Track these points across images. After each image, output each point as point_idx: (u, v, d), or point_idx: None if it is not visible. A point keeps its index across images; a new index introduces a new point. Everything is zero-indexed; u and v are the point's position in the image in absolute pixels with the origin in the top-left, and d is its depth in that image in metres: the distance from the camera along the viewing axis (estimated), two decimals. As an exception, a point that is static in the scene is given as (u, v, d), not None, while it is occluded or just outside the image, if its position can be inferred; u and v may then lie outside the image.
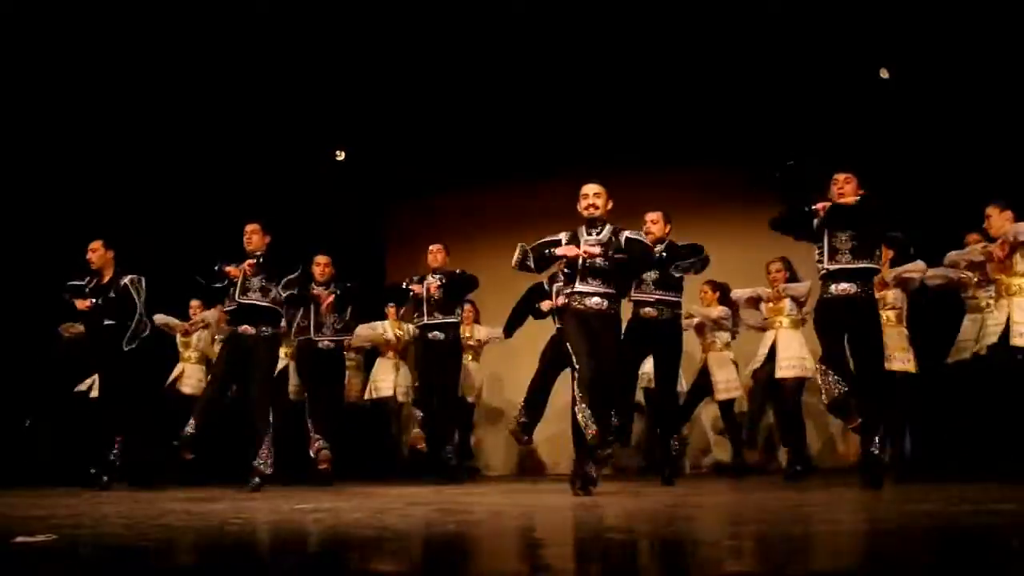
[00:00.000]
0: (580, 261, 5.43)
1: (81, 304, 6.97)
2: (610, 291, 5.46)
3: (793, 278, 7.09)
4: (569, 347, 5.35)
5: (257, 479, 6.17)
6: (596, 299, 5.41)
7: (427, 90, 8.37)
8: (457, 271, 7.53)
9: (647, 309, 6.31)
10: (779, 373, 6.97)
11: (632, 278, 6.14)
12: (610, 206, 5.53)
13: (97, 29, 7.29)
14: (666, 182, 8.60)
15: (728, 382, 7.79)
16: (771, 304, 7.20)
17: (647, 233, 6.16)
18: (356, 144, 9.39)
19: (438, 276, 7.48)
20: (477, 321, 8.87)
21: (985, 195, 6.23)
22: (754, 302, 7.27)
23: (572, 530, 3.37)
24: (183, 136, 8.68)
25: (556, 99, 8.46)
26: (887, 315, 6.70)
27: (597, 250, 5.39)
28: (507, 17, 7.39)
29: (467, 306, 8.54)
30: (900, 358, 6.74)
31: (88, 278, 7.11)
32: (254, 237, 6.75)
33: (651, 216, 6.37)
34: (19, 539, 2.99)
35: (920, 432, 7.23)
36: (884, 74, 7.83)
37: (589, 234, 5.49)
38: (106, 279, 7.04)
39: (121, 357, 6.94)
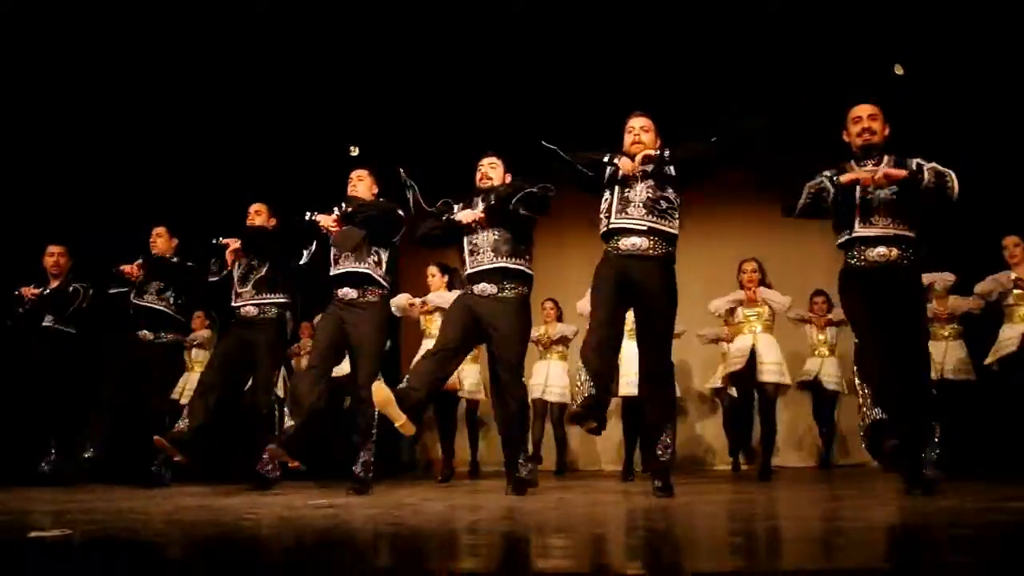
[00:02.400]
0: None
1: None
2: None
3: (763, 281, 6.99)
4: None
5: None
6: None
7: (445, 85, 8.35)
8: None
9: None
10: (763, 377, 6.81)
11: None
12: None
13: (104, 28, 7.30)
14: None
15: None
16: (745, 308, 7.02)
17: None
18: (370, 136, 9.36)
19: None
20: (560, 319, 8.41)
21: (1012, 194, 6.23)
22: (731, 312, 7.11)
23: (586, 524, 3.36)
24: (190, 132, 8.67)
25: (569, 95, 8.43)
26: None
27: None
28: (520, 17, 7.39)
29: (548, 303, 8.34)
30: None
31: (42, 286, 7.04)
32: (159, 241, 6.70)
33: (642, 123, 4.81)
34: (33, 534, 3.00)
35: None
36: (899, 70, 7.79)
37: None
38: (54, 285, 7.01)
39: (74, 365, 6.86)
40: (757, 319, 6.97)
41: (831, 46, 7.61)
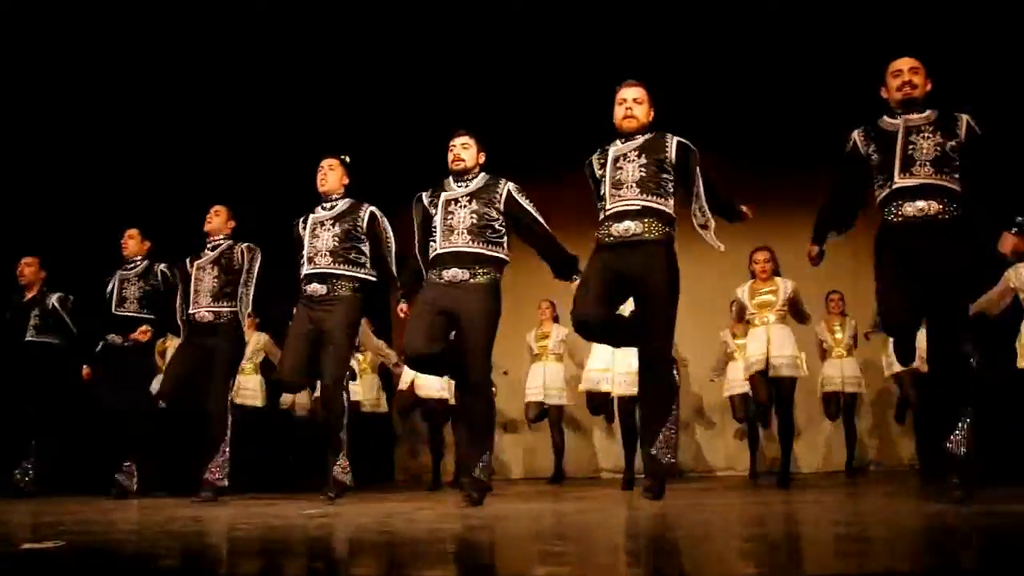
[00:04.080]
0: None
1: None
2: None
3: (776, 271, 6.61)
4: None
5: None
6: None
7: (437, 86, 8.31)
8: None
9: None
10: (776, 372, 6.39)
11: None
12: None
13: (91, 28, 7.28)
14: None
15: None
16: (757, 299, 6.58)
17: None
18: (363, 139, 9.29)
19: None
20: (556, 320, 8.28)
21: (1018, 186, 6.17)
22: (741, 310, 6.76)
23: (580, 533, 3.36)
24: (185, 139, 8.62)
25: (563, 96, 8.39)
26: None
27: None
28: (511, 16, 7.38)
29: (545, 303, 8.25)
30: None
31: (16, 296, 7.15)
32: (130, 243, 6.75)
33: (634, 94, 4.55)
34: (26, 545, 3.00)
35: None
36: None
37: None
38: (29, 296, 7.11)
39: (59, 375, 6.96)
40: (769, 309, 6.57)
41: (827, 44, 7.63)
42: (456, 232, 4.64)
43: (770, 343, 6.43)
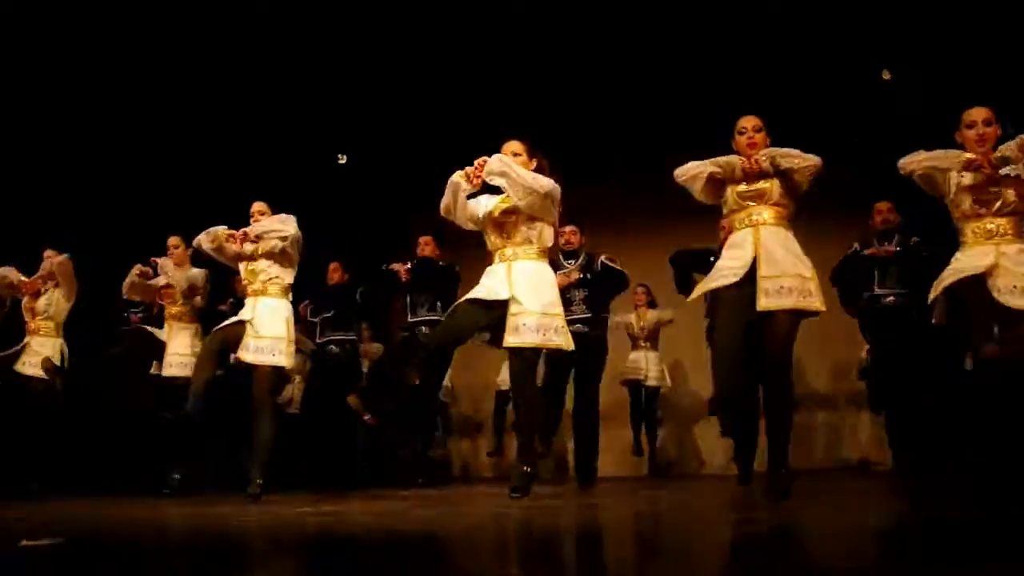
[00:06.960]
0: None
1: None
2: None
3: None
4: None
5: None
6: None
7: (454, 96, 8.30)
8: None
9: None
10: (764, 303, 3.97)
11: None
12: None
13: (96, 31, 7.27)
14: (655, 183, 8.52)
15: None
16: (745, 185, 4.17)
17: (567, 244, 6.44)
18: (379, 149, 9.26)
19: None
20: (652, 305, 8.29)
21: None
22: (718, 191, 4.25)
23: (571, 532, 3.36)
24: (195, 142, 8.62)
25: (576, 100, 8.36)
26: None
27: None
28: (517, 22, 7.38)
29: (640, 289, 8.23)
30: None
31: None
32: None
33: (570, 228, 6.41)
34: (24, 543, 2.99)
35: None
36: (886, 75, 7.82)
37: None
38: None
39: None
40: (762, 201, 4.15)
41: (819, 52, 7.63)
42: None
43: (759, 251, 4.05)
